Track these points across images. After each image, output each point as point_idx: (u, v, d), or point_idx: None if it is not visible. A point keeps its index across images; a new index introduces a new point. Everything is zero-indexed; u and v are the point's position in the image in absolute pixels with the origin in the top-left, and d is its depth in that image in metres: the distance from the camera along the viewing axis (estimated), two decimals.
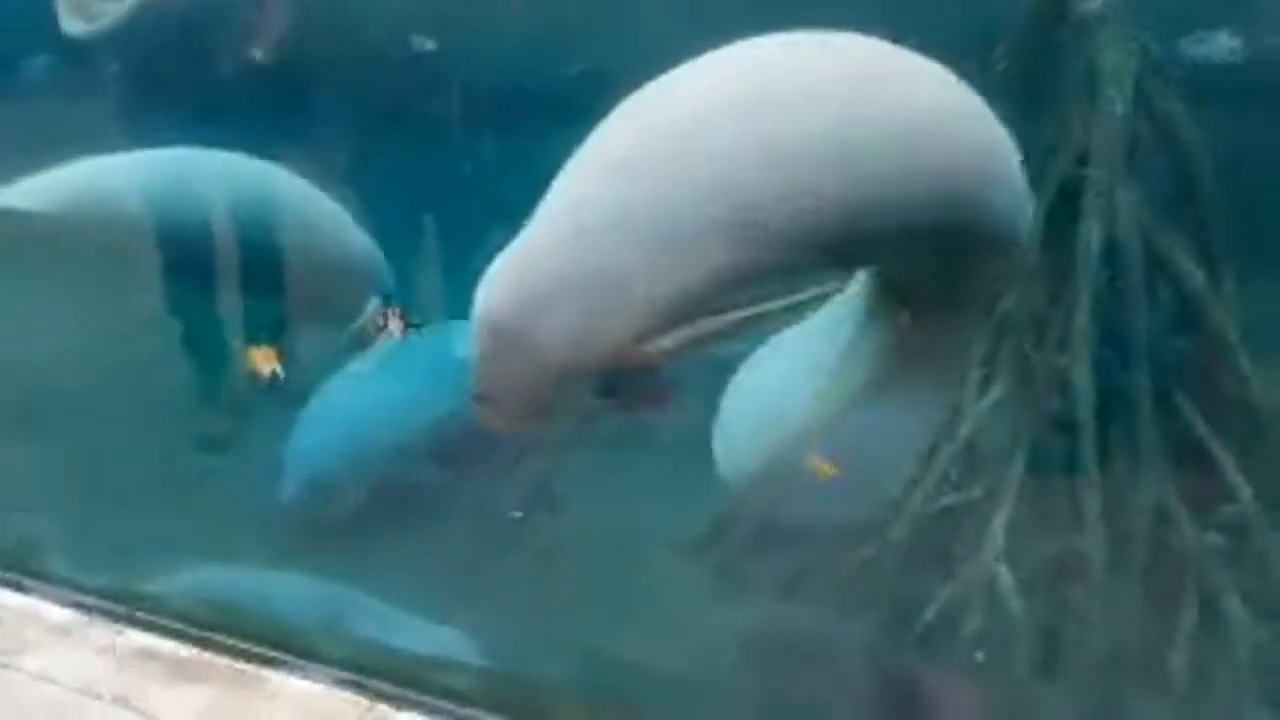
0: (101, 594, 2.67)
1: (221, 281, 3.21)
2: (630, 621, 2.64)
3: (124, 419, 3.24)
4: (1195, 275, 2.83)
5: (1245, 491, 2.68)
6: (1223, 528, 2.73)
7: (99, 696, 2.39)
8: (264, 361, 2.46)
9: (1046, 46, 2.78)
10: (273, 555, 3.01)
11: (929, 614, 2.85)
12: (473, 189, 3.35)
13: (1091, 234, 2.70)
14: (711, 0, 2.75)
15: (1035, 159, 2.46)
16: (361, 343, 3.12)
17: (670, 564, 2.95)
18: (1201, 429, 2.80)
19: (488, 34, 3.19)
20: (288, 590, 2.84)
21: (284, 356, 2.49)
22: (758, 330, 2.23)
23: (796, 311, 2.16)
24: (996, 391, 2.77)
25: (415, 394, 3.12)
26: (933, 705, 2.73)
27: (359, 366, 3.17)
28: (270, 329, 3.07)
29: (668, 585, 2.88)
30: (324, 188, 3.35)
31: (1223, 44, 2.88)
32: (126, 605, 2.64)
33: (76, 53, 3.38)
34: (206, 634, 2.53)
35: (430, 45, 3.25)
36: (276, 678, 2.44)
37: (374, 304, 3.16)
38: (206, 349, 3.27)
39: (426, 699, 2.34)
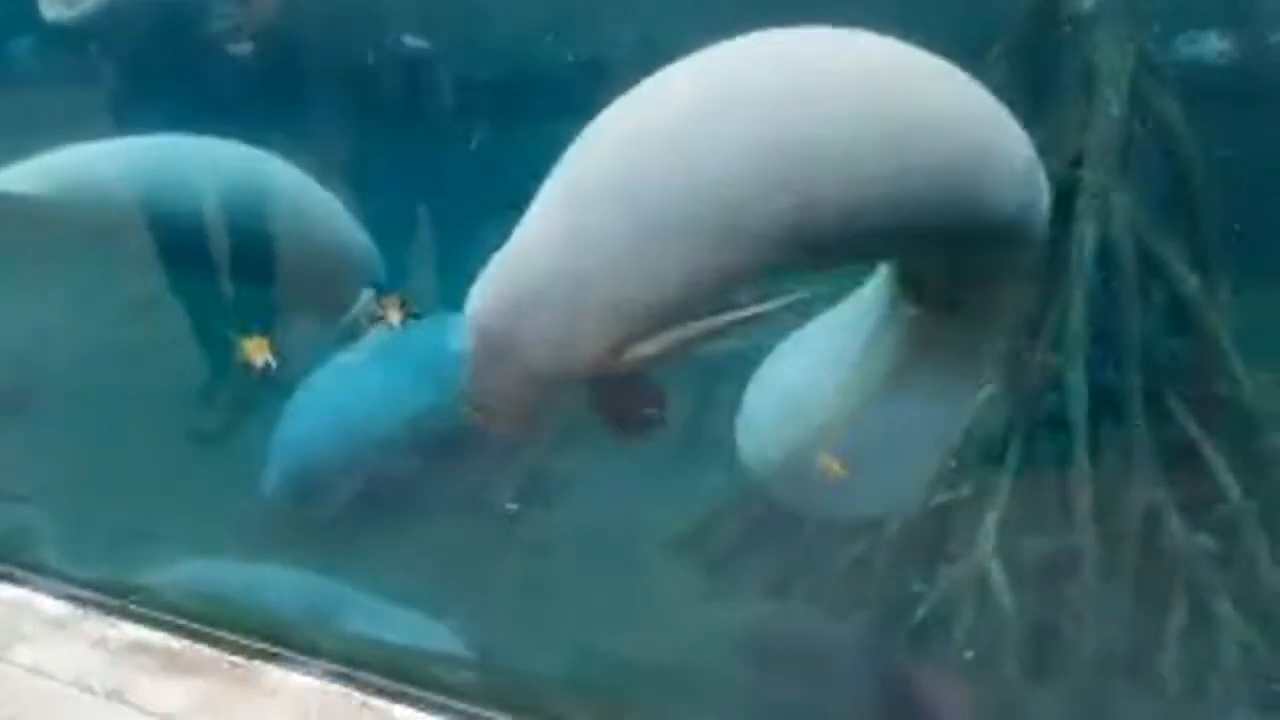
0: (95, 586, 2.66)
1: (213, 270, 3.19)
2: (624, 617, 2.65)
3: (117, 409, 3.22)
4: (1189, 277, 2.85)
5: (1236, 493, 2.70)
6: (1213, 529, 2.77)
7: (92, 690, 2.38)
8: (257, 352, 2.44)
9: (1042, 47, 2.79)
10: (266, 548, 3.00)
11: (921, 611, 2.89)
12: (467, 179, 3.34)
13: (1086, 235, 2.72)
14: None
15: None
16: (354, 334, 3.11)
17: (664, 559, 2.96)
18: (1193, 430, 2.82)
19: (485, 21, 3.18)
20: (281, 584, 2.84)
21: (276, 347, 2.47)
22: (742, 335, 2.22)
23: (781, 315, 2.14)
24: (990, 390, 2.80)
25: (403, 386, 3.10)
26: (923, 702, 2.75)
27: (346, 358, 3.15)
28: (262, 318, 3.04)
29: (661, 581, 2.90)
30: (316, 176, 3.34)
31: (1213, 45, 2.89)
32: (120, 598, 2.63)
33: (65, 38, 3.35)
34: (201, 627, 2.53)
35: (425, 32, 3.23)
36: (271, 672, 2.43)
37: (367, 295, 3.16)
38: (199, 338, 3.25)
39: (422, 693, 2.34)
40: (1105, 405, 2.75)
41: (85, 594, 2.65)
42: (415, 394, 3.05)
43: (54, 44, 3.37)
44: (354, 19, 3.33)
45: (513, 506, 2.40)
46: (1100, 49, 2.83)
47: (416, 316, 2.28)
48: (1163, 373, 2.81)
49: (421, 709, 2.32)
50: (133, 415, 3.17)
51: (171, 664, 2.46)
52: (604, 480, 2.91)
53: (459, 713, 2.32)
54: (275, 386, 2.98)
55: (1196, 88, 2.78)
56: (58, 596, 2.65)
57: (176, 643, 2.51)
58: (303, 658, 2.45)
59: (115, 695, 2.38)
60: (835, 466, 2.25)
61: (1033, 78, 2.73)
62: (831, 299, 2.48)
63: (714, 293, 2.03)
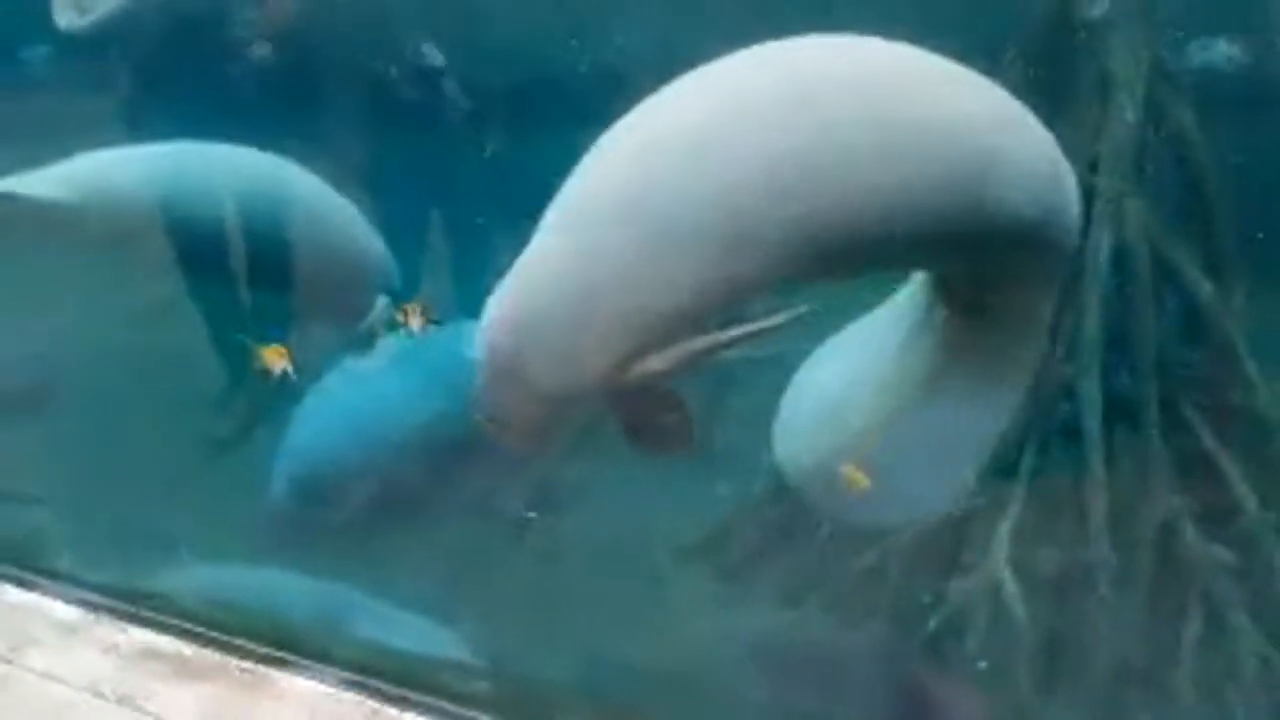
0: (107, 591, 2.66)
1: (230, 276, 3.18)
2: (637, 625, 2.64)
3: (131, 414, 3.22)
4: (1204, 284, 2.83)
5: (1252, 503, 2.67)
6: (1229, 540, 2.74)
7: (103, 696, 2.38)
8: (275, 359, 2.44)
9: (1056, 52, 2.78)
10: (278, 554, 3.00)
11: (934, 621, 2.87)
12: (481, 186, 3.34)
13: (1100, 241, 2.70)
14: None
15: None
16: (369, 341, 3.12)
17: (678, 568, 2.95)
18: (1209, 439, 2.80)
19: (500, 27, 3.17)
20: (292, 590, 2.84)
21: (294, 354, 2.48)
22: (750, 349, 2.21)
23: (788, 329, 2.13)
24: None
25: (412, 393, 3.09)
26: (935, 712, 2.73)
27: (354, 365, 3.15)
28: (278, 325, 3.05)
29: (675, 589, 2.88)
30: (330, 183, 3.34)
31: (1226, 50, 2.87)
32: (132, 603, 2.63)
33: (83, 44, 3.36)
34: (212, 633, 2.53)
35: (440, 38, 3.23)
36: (282, 678, 2.42)
37: (382, 302, 3.16)
38: (214, 344, 3.25)
39: (433, 701, 2.34)
40: (1120, 413, 2.73)
41: (97, 599, 2.65)
42: (425, 401, 3.05)
43: (68, 51, 3.38)
44: (368, 25, 3.34)
45: (530, 515, 2.39)
46: (1115, 55, 2.82)
47: (437, 323, 2.27)
48: (1178, 381, 2.78)
49: (431, 716, 2.31)
50: (147, 420, 3.17)
51: (182, 669, 2.46)
52: (617, 487, 2.89)
53: None
54: (291, 393, 2.98)
55: (1211, 94, 2.77)
56: (69, 601, 2.65)
57: (187, 648, 2.51)
58: (314, 664, 2.45)
59: (126, 701, 2.38)
60: (859, 477, 2.23)
61: (1047, 83, 2.71)
62: (843, 310, 2.47)
63: (722, 305, 2.03)
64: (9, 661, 2.49)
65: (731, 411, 2.87)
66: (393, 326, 3.09)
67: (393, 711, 2.33)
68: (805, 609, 2.97)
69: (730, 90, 2.00)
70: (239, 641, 2.49)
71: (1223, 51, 2.86)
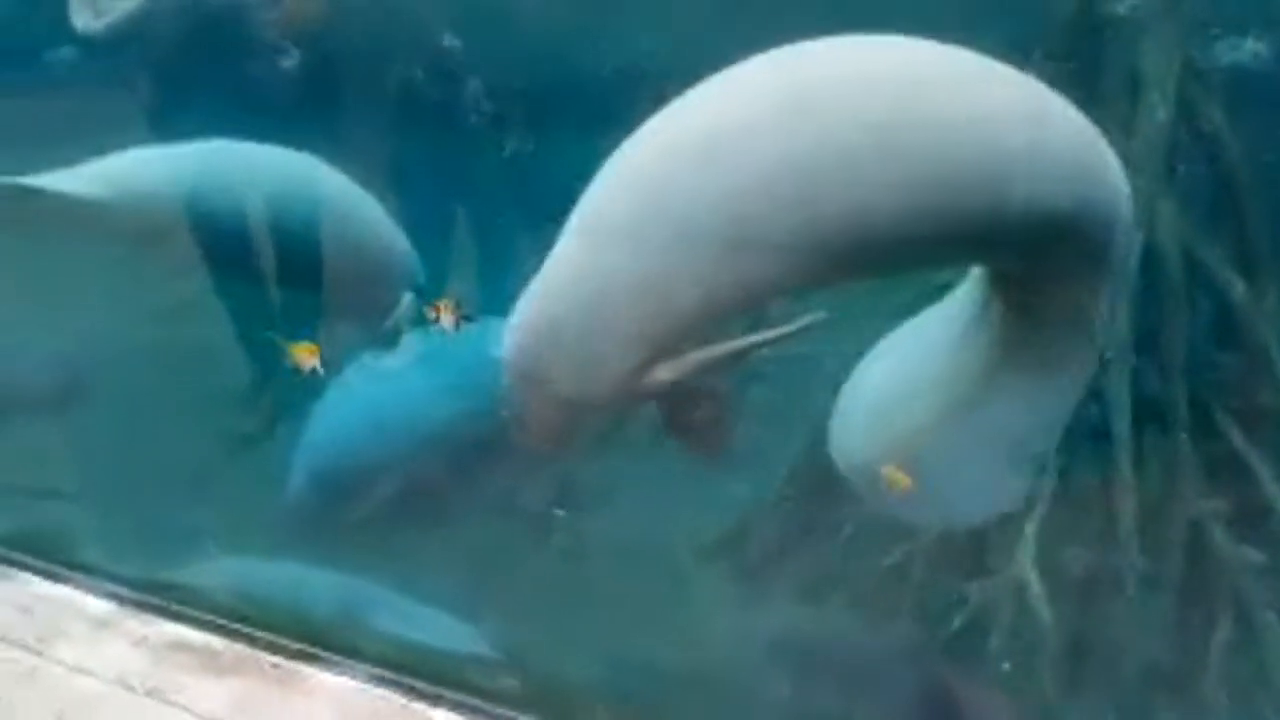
0: (137, 585, 2.65)
1: (258, 274, 3.17)
2: (662, 623, 2.62)
3: (159, 410, 3.22)
4: (1235, 284, 2.80)
5: None
6: (1260, 541, 2.71)
7: (133, 689, 2.38)
8: (305, 357, 2.45)
9: (1086, 51, 2.75)
10: (307, 549, 2.99)
11: (957, 620, 2.85)
12: (504, 184, 3.33)
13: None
14: None
15: None
16: (394, 338, 3.11)
17: (701, 564, 2.94)
18: (1239, 441, 2.77)
19: (528, 27, 3.16)
20: (321, 584, 2.83)
21: (324, 353, 2.48)
22: (761, 357, 2.21)
23: (800, 338, 2.12)
24: None
25: (432, 390, 3.08)
26: (958, 713, 2.72)
27: (374, 362, 3.14)
28: (305, 322, 3.05)
29: (699, 586, 2.87)
30: (355, 181, 3.34)
31: (1257, 49, 2.84)
32: (162, 596, 2.62)
33: (103, 46, 3.36)
34: (241, 627, 2.52)
35: (464, 36, 3.22)
36: (311, 673, 2.41)
37: (407, 299, 3.15)
38: (242, 340, 3.23)
39: (462, 697, 2.32)
40: (1149, 413, 2.70)
41: (127, 592, 2.64)
42: (446, 397, 3.04)
43: (89, 53, 3.39)
44: (390, 23, 3.33)
45: (559, 512, 2.38)
46: (1145, 54, 2.79)
47: (469, 319, 2.27)
48: (1207, 381, 2.76)
49: (462, 713, 2.30)
50: (175, 415, 3.17)
51: (212, 664, 2.46)
52: (642, 484, 2.88)
53: (499, 717, 2.31)
54: (317, 389, 2.98)
55: (1242, 92, 2.74)
56: (100, 595, 2.65)
57: (217, 642, 2.50)
58: (343, 659, 2.43)
59: (155, 694, 2.38)
60: (900, 477, 2.21)
61: (1077, 82, 2.68)
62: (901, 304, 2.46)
63: (736, 310, 2.04)
64: (38, 654, 2.49)
65: (756, 408, 2.86)
66: (420, 323, 3.10)
67: (422, 707, 2.32)
68: (828, 608, 2.96)
69: (747, 95, 2.00)
70: (269, 636, 2.48)
71: (1251, 49, 2.84)
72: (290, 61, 3.20)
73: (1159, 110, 2.75)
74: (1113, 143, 2.60)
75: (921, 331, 2.42)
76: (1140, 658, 2.70)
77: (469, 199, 3.37)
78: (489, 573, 2.81)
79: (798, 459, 3.06)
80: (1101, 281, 2.23)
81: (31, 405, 3.36)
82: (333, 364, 2.98)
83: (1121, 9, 2.74)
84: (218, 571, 2.80)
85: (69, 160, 3.20)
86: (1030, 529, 2.74)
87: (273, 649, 2.47)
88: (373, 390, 3.14)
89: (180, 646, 2.50)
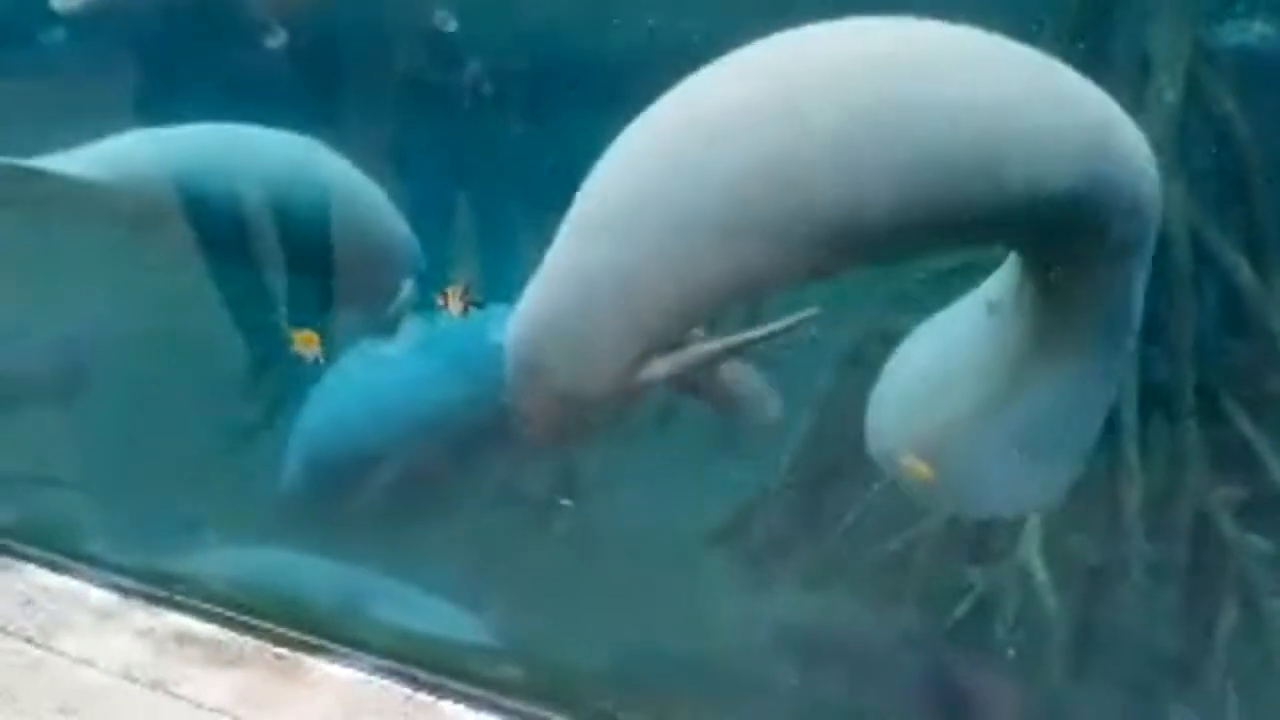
0: (141, 576, 2.62)
1: (259, 259, 3.12)
2: (667, 610, 2.59)
3: (160, 399, 3.18)
4: (1243, 269, 2.76)
5: None
6: (1267, 529, 2.68)
7: (137, 681, 2.35)
8: (306, 345, 2.41)
9: (1094, 33, 2.69)
10: (310, 539, 2.95)
11: (961, 608, 2.82)
12: (504, 169, 3.28)
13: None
14: None
15: None
16: (394, 325, 3.07)
17: (706, 552, 2.91)
18: (1247, 427, 2.74)
19: (529, 10, 3.09)
20: (324, 574, 2.80)
21: (325, 340, 2.44)
22: (755, 353, 2.16)
23: (793, 333, 2.08)
24: None
25: (428, 379, 3.05)
26: (963, 699, 2.69)
27: (369, 349, 3.10)
28: (307, 309, 3.00)
29: (703, 574, 2.84)
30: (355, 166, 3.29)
31: (1259, 30, 2.79)
32: (166, 587, 2.59)
33: (94, 27, 3.30)
34: (246, 618, 2.49)
35: (468, 17, 3.15)
36: (316, 664, 2.38)
37: (408, 286, 3.11)
38: (245, 328, 3.17)
39: (468, 688, 2.30)
40: (1156, 400, 2.66)
41: (130, 583, 2.61)
42: (439, 386, 3.01)
43: (73, 34, 3.32)
44: (390, 3, 3.26)
45: (565, 502, 2.35)
46: (1154, 36, 2.74)
47: (479, 306, 2.23)
48: (1216, 367, 2.72)
49: (468, 704, 2.28)
50: (177, 404, 3.13)
51: (216, 655, 2.43)
52: (644, 472, 2.85)
53: (506, 709, 2.28)
54: (319, 377, 2.93)
55: (1252, 74, 2.68)
56: (104, 586, 2.62)
57: (221, 634, 2.47)
58: (348, 650, 2.41)
59: (159, 686, 2.35)
60: (921, 468, 2.17)
61: (1085, 65, 2.62)
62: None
63: (732, 302, 2.02)
64: (41, 646, 2.46)
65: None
66: (422, 309, 3.06)
67: (427, 698, 2.30)
68: (833, 595, 2.93)
69: (741, 84, 1.97)
70: (273, 627, 2.45)
71: (1259, 31, 2.78)
72: (286, 42, 3.13)
73: (1168, 92, 2.70)
74: None
75: (957, 318, 2.36)
76: (1146, 645, 2.68)
77: (470, 184, 3.31)
78: (492, 561, 2.78)
79: (801, 444, 3.04)
80: (1132, 263, 2.16)
81: (31, 393, 3.31)
82: (334, 351, 2.95)
83: None
84: (221, 562, 2.77)
85: (55, 141, 3.14)
86: (1035, 516, 2.72)
87: (277, 640, 2.44)
88: (372, 377, 3.10)
89: (184, 638, 2.47)
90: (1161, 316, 2.63)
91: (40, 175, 3.05)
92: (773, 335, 2.05)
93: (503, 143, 3.20)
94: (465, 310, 2.22)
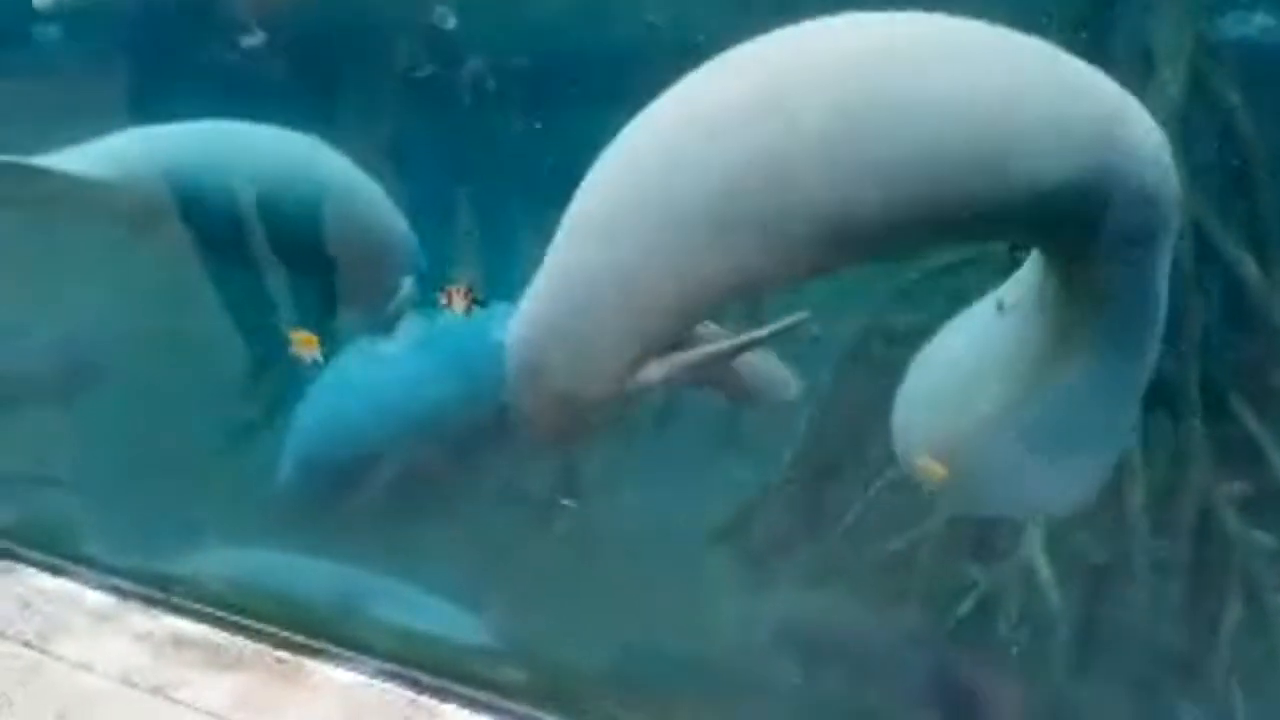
0: (138, 578, 2.57)
1: (259, 258, 3.06)
2: (670, 612, 2.55)
3: (161, 398, 3.13)
4: (1247, 263, 2.72)
5: None
6: (1271, 525, 2.64)
7: (136, 685, 2.30)
8: (305, 347, 2.37)
9: (1097, 26, 2.64)
10: (309, 539, 2.90)
11: (965, 605, 2.78)
12: (504, 167, 3.23)
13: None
14: None
15: None
16: (394, 323, 3.02)
17: (707, 552, 2.87)
18: (1251, 422, 2.70)
19: (528, 6, 3.04)
20: (323, 575, 2.75)
21: (324, 339, 2.40)
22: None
23: (784, 337, 2.07)
24: None
25: (427, 377, 3.01)
26: (967, 698, 2.66)
27: (368, 346, 3.06)
28: (307, 307, 2.95)
29: (705, 574, 2.80)
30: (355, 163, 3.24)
31: (1260, 23, 2.74)
32: (164, 590, 2.54)
33: (81, 23, 3.24)
34: (245, 620, 2.44)
35: (467, 13, 3.10)
36: (317, 667, 2.34)
37: (408, 283, 3.06)
38: (245, 328, 3.12)
39: (471, 691, 2.25)
40: (1160, 395, 2.62)
41: (128, 586, 2.56)
42: (438, 384, 2.97)
43: (71, 31, 3.27)
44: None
45: (568, 503, 2.30)
46: (1157, 29, 2.69)
47: (482, 304, 2.19)
48: (1220, 362, 2.68)
49: (470, 707, 2.23)
50: (175, 405, 3.08)
51: (215, 659, 2.38)
52: (644, 471, 2.81)
53: (508, 711, 2.23)
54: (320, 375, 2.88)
55: (1257, 68, 2.64)
56: (101, 588, 2.56)
57: (221, 637, 2.42)
58: (349, 653, 2.36)
59: (159, 691, 2.30)
60: (936, 468, 2.13)
61: (1087, 58, 2.58)
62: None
63: (723, 304, 1.99)
64: (39, 650, 2.41)
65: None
66: (422, 307, 3.01)
67: (430, 701, 2.25)
68: (835, 594, 2.89)
69: (731, 85, 1.94)
70: (273, 630, 2.40)
71: (1259, 24, 2.74)
72: (286, 39, 3.08)
73: (1171, 86, 2.65)
74: None
75: (981, 316, 2.31)
76: (1150, 642, 2.64)
77: (469, 181, 3.27)
78: (494, 562, 2.73)
79: (802, 442, 3.00)
80: (1152, 254, 2.10)
81: (28, 393, 3.26)
82: (334, 349, 2.90)
83: None
84: (221, 563, 2.72)
85: (53, 139, 3.08)
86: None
87: (277, 643, 2.39)
88: (370, 375, 3.05)
89: (183, 641, 2.42)
90: (1166, 311, 2.59)
91: (40, 173, 3.00)
92: (769, 337, 2.04)
93: (502, 139, 3.16)
94: (468, 309, 2.18)
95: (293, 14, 3.13)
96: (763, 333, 2.04)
